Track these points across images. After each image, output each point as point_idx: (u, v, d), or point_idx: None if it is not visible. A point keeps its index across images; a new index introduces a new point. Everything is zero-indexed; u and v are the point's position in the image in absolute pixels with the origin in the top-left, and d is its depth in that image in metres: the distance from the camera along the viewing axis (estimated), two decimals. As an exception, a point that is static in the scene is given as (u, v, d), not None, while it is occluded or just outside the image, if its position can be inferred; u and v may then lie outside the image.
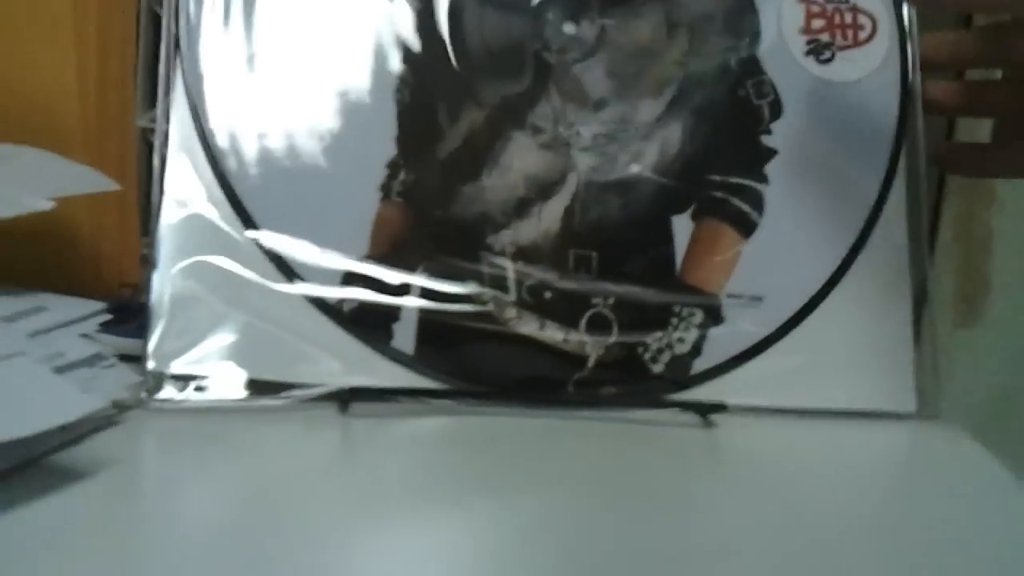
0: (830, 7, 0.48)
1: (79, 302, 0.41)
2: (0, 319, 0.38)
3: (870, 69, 0.48)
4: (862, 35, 0.48)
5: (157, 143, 0.43)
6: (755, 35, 0.47)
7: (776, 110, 0.46)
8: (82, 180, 0.43)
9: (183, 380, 0.40)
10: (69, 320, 0.40)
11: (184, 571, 0.28)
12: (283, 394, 0.40)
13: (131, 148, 0.51)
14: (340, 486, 0.35)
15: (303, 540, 0.30)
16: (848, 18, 0.48)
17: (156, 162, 0.42)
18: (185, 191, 0.42)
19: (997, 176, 0.51)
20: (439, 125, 0.44)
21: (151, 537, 0.30)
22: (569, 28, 0.45)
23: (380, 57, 0.44)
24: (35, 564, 0.28)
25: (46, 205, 0.38)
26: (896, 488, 0.41)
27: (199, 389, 0.40)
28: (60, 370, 0.36)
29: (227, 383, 0.40)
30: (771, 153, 0.46)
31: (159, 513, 0.32)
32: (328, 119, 0.43)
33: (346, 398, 0.40)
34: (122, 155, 0.50)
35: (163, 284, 0.41)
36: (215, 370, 0.40)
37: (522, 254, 0.43)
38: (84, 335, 0.39)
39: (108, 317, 0.41)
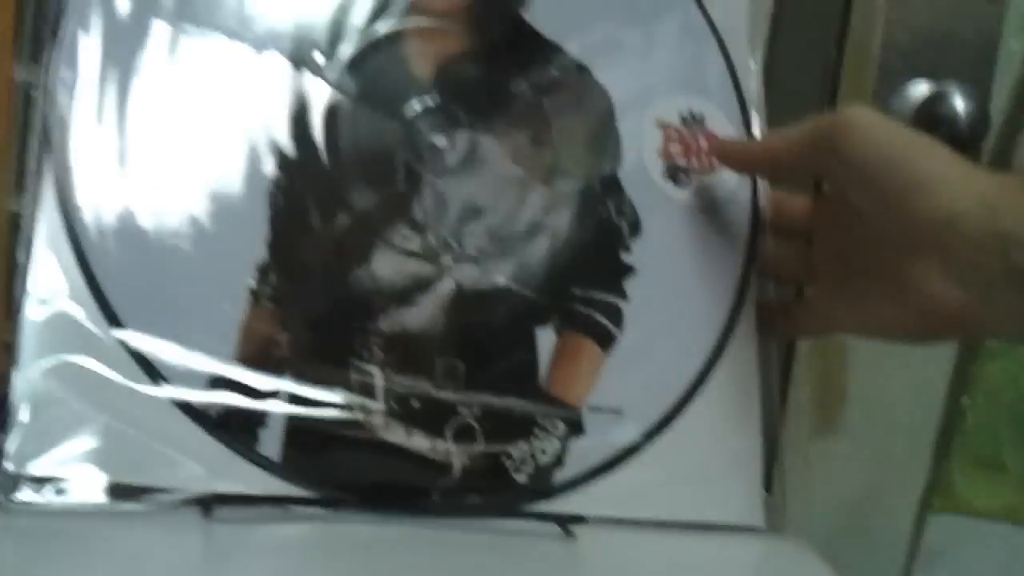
0: (687, 132, 0.50)
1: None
2: None
3: (723, 193, 0.50)
4: (716, 160, 0.50)
5: (24, 230, 0.42)
6: (616, 156, 0.49)
7: (635, 228, 0.48)
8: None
9: (42, 482, 0.39)
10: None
11: None
12: (145, 498, 0.39)
13: (-1, 232, 0.50)
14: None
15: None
16: (703, 144, 0.50)
17: (21, 255, 0.41)
18: (50, 287, 0.41)
19: (802, 337, 0.53)
20: (312, 231, 0.44)
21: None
22: (440, 140, 0.47)
23: (254, 160, 0.44)
24: None
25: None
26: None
27: (59, 492, 0.39)
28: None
29: (88, 486, 0.39)
30: (629, 270, 0.48)
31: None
32: (201, 221, 0.43)
33: (209, 503, 0.40)
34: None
35: (24, 383, 0.40)
36: (75, 472, 0.39)
37: (390, 362, 0.44)
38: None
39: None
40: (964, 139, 0.61)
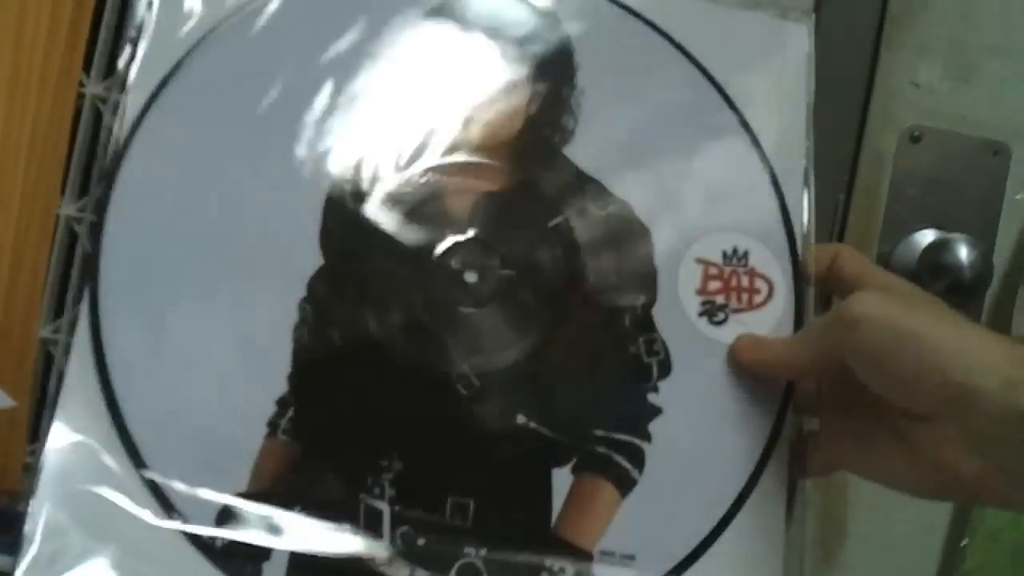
0: (728, 269, 0.47)
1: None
2: None
3: (763, 333, 0.47)
4: (757, 299, 0.47)
5: (57, 360, 0.42)
6: (652, 293, 0.47)
7: (665, 369, 0.46)
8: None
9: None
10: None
11: None
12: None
13: (29, 356, 0.50)
14: None
15: None
16: (745, 281, 0.47)
17: (53, 383, 0.41)
18: (75, 417, 0.40)
19: (808, 474, 0.51)
20: (332, 366, 0.43)
21: None
22: (471, 276, 0.45)
23: (282, 294, 0.43)
24: None
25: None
26: None
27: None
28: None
29: None
30: (656, 411, 0.46)
31: None
32: (226, 352, 0.42)
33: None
34: (19, 362, 0.49)
35: (40, 508, 0.39)
36: None
37: (400, 498, 0.42)
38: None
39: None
40: (967, 288, 0.60)
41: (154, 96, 0.45)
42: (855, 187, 0.63)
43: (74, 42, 0.48)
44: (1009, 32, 0.58)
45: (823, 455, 0.47)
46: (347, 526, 0.42)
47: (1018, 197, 0.61)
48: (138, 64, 0.45)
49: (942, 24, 0.58)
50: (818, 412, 0.48)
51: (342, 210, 0.45)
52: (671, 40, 0.49)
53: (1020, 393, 0.37)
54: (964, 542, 0.70)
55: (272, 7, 0.47)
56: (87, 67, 0.48)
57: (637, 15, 0.50)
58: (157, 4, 0.46)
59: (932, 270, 0.60)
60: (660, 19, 0.50)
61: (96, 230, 0.43)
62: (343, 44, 0.47)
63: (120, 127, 0.44)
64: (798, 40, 0.51)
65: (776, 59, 0.50)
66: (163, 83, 0.45)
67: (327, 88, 0.46)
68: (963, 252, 0.59)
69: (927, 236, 0.61)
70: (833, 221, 0.63)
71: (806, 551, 0.69)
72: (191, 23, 0.46)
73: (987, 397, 0.37)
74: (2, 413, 0.45)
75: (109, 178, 0.43)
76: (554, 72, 0.48)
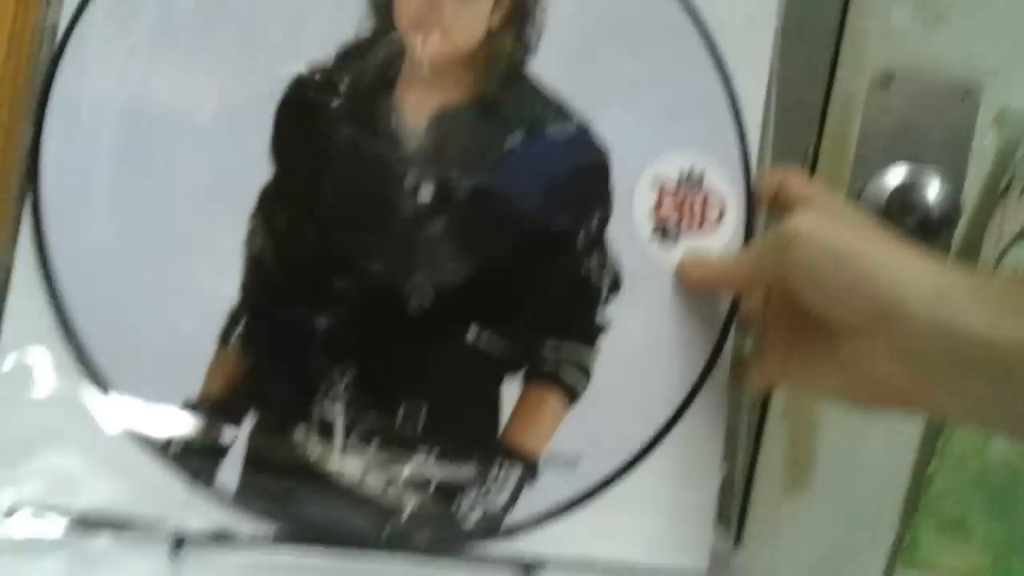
0: (682, 191, 0.43)
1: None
2: None
3: (713, 254, 0.43)
4: (709, 221, 0.43)
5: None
6: (606, 214, 0.42)
7: (615, 286, 0.42)
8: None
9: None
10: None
11: None
12: (106, 532, 0.36)
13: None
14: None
15: None
16: (698, 203, 0.43)
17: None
18: (24, 329, 0.37)
19: (758, 388, 0.47)
20: (284, 277, 0.40)
21: None
22: (426, 192, 0.41)
23: (232, 206, 0.40)
24: None
25: None
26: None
27: (19, 525, 0.36)
28: None
29: (49, 520, 0.36)
30: (605, 327, 0.42)
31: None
32: (176, 262, 0.39)
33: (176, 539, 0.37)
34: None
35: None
36: (36, 507, 0.36)
37: (353, 402, 0.40)
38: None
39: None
40: (935, 227, 0.55)
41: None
42: (825, 129, 0.58)
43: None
44: (981, -23, 0.54)
45: (769, 370, 0.44)
46: (301, 429, 0.39)
47: (986, 141, 0.56)
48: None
49: (915, -32, 0.54)
50: (764, 328, 0.45)
51: (297, 118, 0.40)
52: None
53: (947, 308, 0.35)
54: (932, 467, 0.66)
55: None
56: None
57: None
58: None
59: (900, 210, 0.55)
60: None
61: (35, 144, 0.39)
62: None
63: (53, 39, 0.39)
64: None
65: None
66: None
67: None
68: (931, 190, 0.54)
69: (898, 174, 0.56)
70: (803, 162, 0.59)
71: (775, 475, 0.65)
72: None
73: (915, 311, 0.35)
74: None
75: (45, 90, 0.39)
76: None
